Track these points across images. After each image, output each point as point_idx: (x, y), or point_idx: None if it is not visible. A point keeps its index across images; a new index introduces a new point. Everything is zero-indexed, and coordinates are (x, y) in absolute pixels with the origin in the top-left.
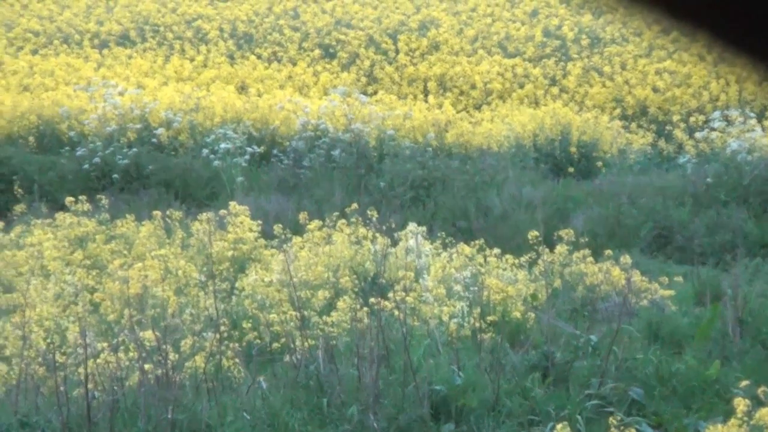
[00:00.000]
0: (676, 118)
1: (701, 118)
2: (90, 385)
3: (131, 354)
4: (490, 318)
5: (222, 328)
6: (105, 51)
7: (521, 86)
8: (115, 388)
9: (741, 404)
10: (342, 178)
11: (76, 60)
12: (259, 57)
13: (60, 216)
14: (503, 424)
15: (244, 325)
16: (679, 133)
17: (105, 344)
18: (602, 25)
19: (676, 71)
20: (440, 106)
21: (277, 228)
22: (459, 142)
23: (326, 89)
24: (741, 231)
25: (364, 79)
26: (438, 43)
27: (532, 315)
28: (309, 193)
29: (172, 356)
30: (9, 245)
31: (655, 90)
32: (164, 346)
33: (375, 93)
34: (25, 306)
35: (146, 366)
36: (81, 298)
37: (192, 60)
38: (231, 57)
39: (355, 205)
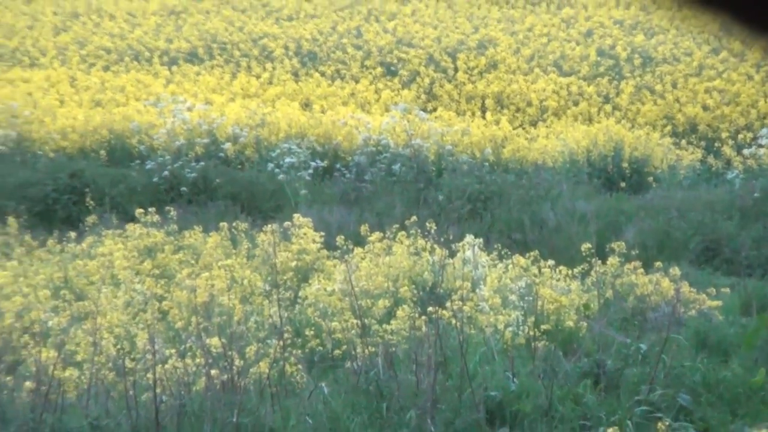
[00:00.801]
0: (724, 135)
1: (749, 135)
2: (158, 390)
3: (198, 360)
4: (543, 327)
5: (285, 335)
6: (174, 68)
7: (576, 104)
8: (182, 392)
9: None
10: (402, 191)
11: (146, 76)
12: (322, 74)
13: (130, 227)
14: (556, 428)
15: (307, 333)
16: (727, 150)
17: (173, 350)
18: (654, 45)
19: (726, 90)
20: (497, 123)
21: (340, 239)
22: (515, 158)
23: (387, 106)
24: None
25: (423, 96)
26: (495, 62)
27: (585, 324)
28: (370, 206)
29: (238, 362)
30: (81, 255)
31: (704, 108)
32: (230, 353)
33: (434, 110)
34: (96, 313)
35: (212, 371)
36: (150, 306)
37: (258, 77)
38: (295, 74)
39: (414, 218)
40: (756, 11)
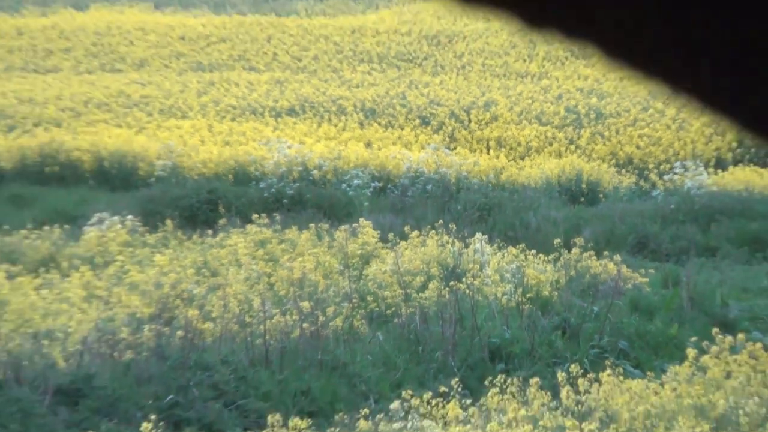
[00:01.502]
0: (651, 166)
1: (668, 166)
2: (267, 337)
3: (294, 317)
4: (528, 295)
5: (353, 300)
6: (279, 119)
7: (550, 144)
8: (283, 339)
9: (691, 353)
10: (432, 203)
11: (260, 125)
12: (379, 124)
13: (249, 227)
14: (536, 364)
15: (368, 299)
16: (653, 176)
17: (277, 310)
18: (604, 104)
19: (652, 135)
20: (497, 157)
21: (390, 236)
22: (509, 181)
23: (423, 145)
24: (692, 240)
25: (447, 139)
26: (496, 116)
27: (556, 294)
28: (411, 213)
29: (321, 318)
30: (215, 245)
31: (637, 147)
32: (316, 312)
33: (455, 148)
34: (226, 285)
35: (304, 325)
36: (261, 280)
37: (335, 126)
38: (361, 124)
39: (441, 221)
40: (673, 78)
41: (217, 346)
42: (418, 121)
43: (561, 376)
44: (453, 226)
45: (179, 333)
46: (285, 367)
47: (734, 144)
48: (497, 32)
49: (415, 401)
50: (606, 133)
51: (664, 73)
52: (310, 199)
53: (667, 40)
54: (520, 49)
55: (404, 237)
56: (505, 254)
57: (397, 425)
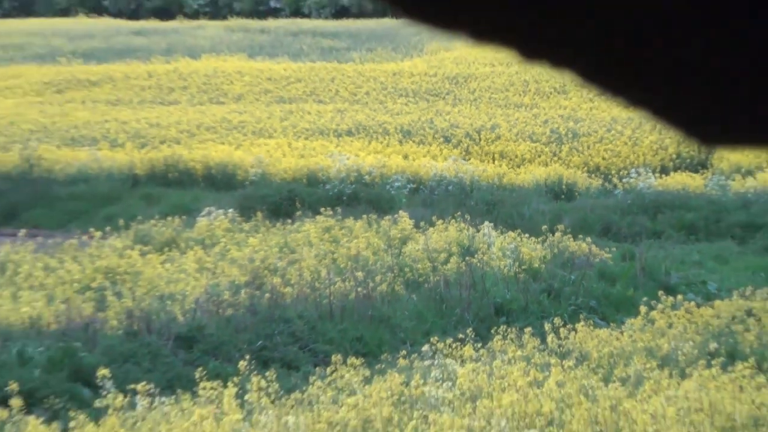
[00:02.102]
0: (613, 172)
1: (626, 172)
2: (331, 298)
3: (351, 283)
4: (523, 267)
5: (394, 271)
6: (339, 138)
7: (539, 156)
8: (343, 299)
9: (643, 309)
10: (452, 200)
11: (326, 142)
12: (413, 142)
13: (318, 217)
14: (529, 318)
15: (405, 270)
16: (614, 179)
17: (338, 278)
18: (579, 126)
19: (614, 149)
20: (500, 166)
21: (422, 223)
22: (509, 183)
23: (445, 157)
24: (643, 226)
25: (463, 153)
26: (499, 135)
27: (543, 266)
28: (437, 207)
29: (371, 284)
30: (293, 231)
31: (603, 158)
32: (367, 279)
33: (469, 159)
34: (300, 260)
35: (359, 289)
36: (327, 256)
37: (381, 143)
38: (400, 142)
39: (459, 213)
40: (633, 97)
41: (294, 304)
42: (442, 139)
43: (547, 326)
44: (468, 217)
45: (267, 295)
46: (344, 320)
47: (674, 155)
48: (500, 74)
49: (440, 345)
50: (580, 148)
51: (625, 92)
52: (362, 197)
53: (629, 69)
54: (517, 86)
55: (432, 224)
56: (506, 237)
57: (426, 362)
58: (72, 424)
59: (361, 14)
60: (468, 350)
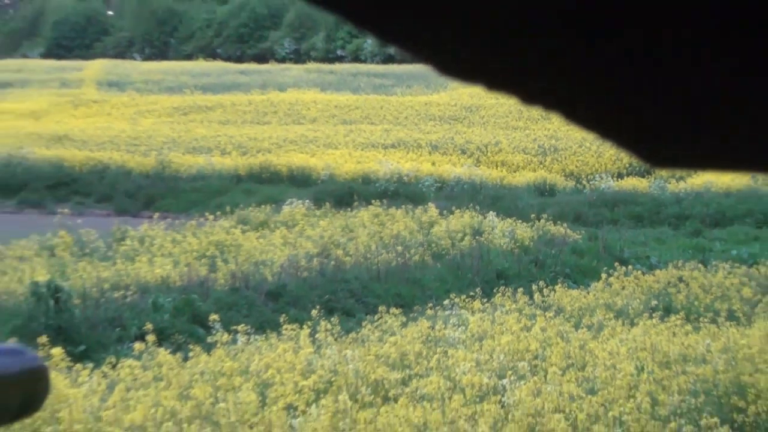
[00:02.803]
0: (583, 176)
1: (592, 176)
2: (378, 265)
3: (393, 254)
4: (517, 244)
5: (424, 246)
6: (386, 150)
7: (529, 164)
8: (387, 266)
9: (603, 276)
10: (467, 196)
11: (376, 153)
12: (439, 153)
13: (370, 207)
14: (521, 281)
15: (432, 245)
16: (584, 182)
17: (384, 251)
18: (558, 144)
19: (584, 159)
20: (501, 171)
21: (444, 212)
22: (508, 183)
23: (462, 164)
24: (604, 216)
25: (475, 161)
26: (501, 149)
27: (532, 243)
28: (456, 200)
29: (407, 255)
30: (351, 217)
31: (576, 166)
32: (404, 252)
33: (479, 166)
34: (356, 237)
35: (398, 258)
36: (376, 234)
37: (416, 154)
38: (429, 153)
39: (471, 205)
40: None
41: (352, 269)
42: (459, 151)
43: (534, 287)
44: (478, 208)
45: (332, 262)
46: (387, 281)
47: (628, 165)
48: (502, 105)
49: (456, 300)
50: (559, 159)
51: (572, 118)
52: (402, 192)
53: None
54: (514, 114)
55: (452, 213)
56: (505, 222)
57: (447, 313)
58: (191, 354)
59: (402, 61)
60: (477, 304)
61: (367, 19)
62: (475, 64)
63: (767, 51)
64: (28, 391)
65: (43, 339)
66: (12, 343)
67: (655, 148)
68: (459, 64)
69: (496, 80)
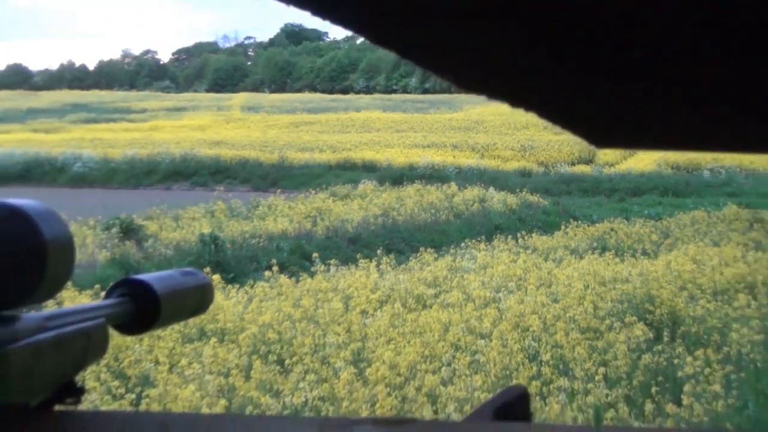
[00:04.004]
0: (551, 164)
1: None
2: (419, 221)
3: (428, 214)
4: (508, 207)
5: (448, 209)
6: (423, 149)
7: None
8: (425, 221)
9: (562, 228)
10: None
11: (418, 151)
12: (458, 150)
13: (413, 185)
14: (511, 230)
15: (454, 209)
16: (550, 168)
17: (423, 212)
18: (536, 144)
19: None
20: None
21: (461, 188)
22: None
23: (472, 158)
24: (563, 189)
25: (480, 156)
26: (497, 147)
27: (517, 207)
28: (468, 181)
29: (438, 215)
30: (401, 192)
31: (546, 158)
32: (436, 213)
33: (483, 159)
34: (405, 204)
35: (432, 217)
36: (417, 202)
37: (442, 150)
38: (452, 150)
39: (479, 183)
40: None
41: (403, 224)
42: (470, 149)
43: (518, 235)
44: (482, 185)
45: (390, 220)
46: (425, 231)
47: (578, 157)
48: (498, 118)
49: (469, 243)
50: (534, 154)
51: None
52: (433, 176)
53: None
54: (507, 125)
55: (465, 188)
56: (500, 194)
57: (463, 251)
58: (300, 278)
59: (434, 92)
60: (482, 246)
61: (384, 36)
62: (459, 73)
63: (703, 41)
64: (200, 298)
65: (207, 269)
66: (189, 268)
67: (599, 132)
68: (447, 73)
69: (467, 80)
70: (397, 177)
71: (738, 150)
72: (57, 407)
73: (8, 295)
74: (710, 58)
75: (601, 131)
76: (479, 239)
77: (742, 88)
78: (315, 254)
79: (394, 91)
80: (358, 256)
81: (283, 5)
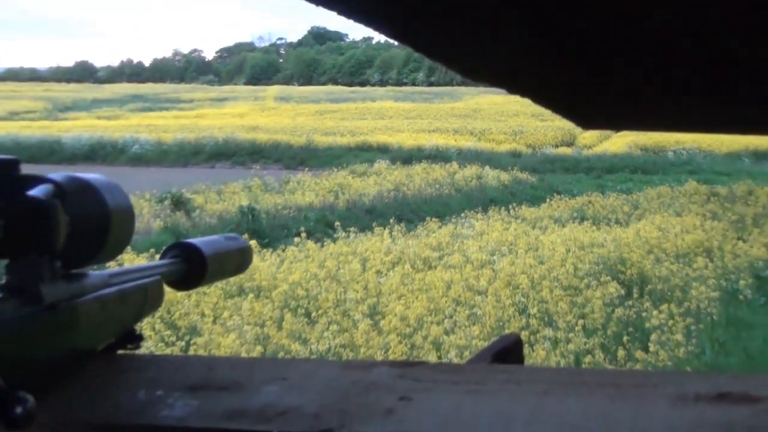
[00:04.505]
0: (537, 146)
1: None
2: (425, 195)
3: (433, 189)
4: (501, 182)
5: (450, 184)
6: (429, 133)
7: (508, 140)
8: (429, 195)
9: (548, 200)
10: (474, 157)
11: (425, 134)
12: (459, 135)
13: (421, 164)
14: (503, 203)
15: (454, 184)
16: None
17: (429, 188)
18: (525, 129)
19: (537, 137)
20: (492, 144)
21: (461, 166)
22: (496, 151)
23: (470, 141)
24: (548, 167)
25: (477, 139)
26: (492, 132)
27: (509, 183)
28: (468, 161)
29: (441, 189)
30: (411, 169)
31: (532, 142)
32: (440, 188)
33: (480, 142)
34: (413, 180)
35: (436, 192)
36: (423, 179)
37: (445, 134)
38: (453, 134)
39: (476, 163)
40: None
41: (412, 198)
42: (469, 134)
43: (510, 206)
44: (479, 164)
45: (401, 194)
46: (430, 204)
47: (560, 140)
48: (494, 107)
49: (468, 213)
50: (524, 137)
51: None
52: (437, 156)
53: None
54: (500, 113)
55: (465, 167)
56: (495, 172)
57: (463, 221)
58: (325, 243)
59: (438, 84)
60: (479, 216)
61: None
62: (455, 57)
63: (682, 30)
64: (240, 260)
65: (245, 236)
66: (232, 233)
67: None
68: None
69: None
70: (407, 157)
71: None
72: (119, 351)
73: (77, 256)
74: (681, 52)
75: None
76: (476, 210)
77: (708, 78)
78: (337, 223)
79: (404, 84)
80: (373, 225)
81: (311, 10)
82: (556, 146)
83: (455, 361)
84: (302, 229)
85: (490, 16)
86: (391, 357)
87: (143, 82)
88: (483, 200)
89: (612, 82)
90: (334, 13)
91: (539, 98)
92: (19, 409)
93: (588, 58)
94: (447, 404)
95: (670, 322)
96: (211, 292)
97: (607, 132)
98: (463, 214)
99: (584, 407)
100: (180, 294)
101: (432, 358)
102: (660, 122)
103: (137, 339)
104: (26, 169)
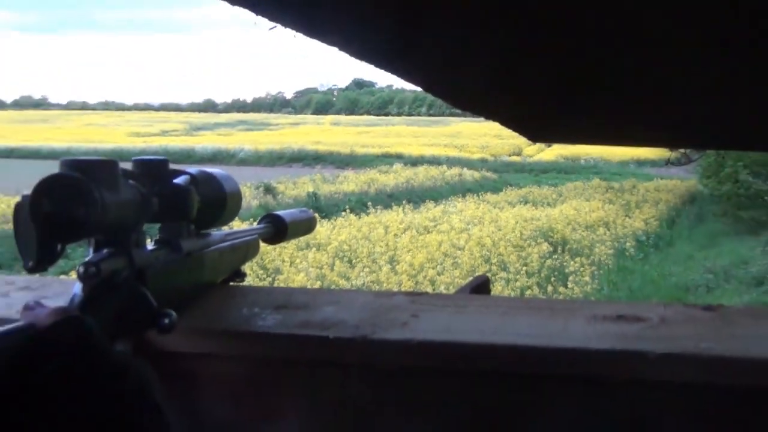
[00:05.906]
0: (496, 156)
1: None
2: (423, 186)
3: (432, 183)
4: (474, 178)
5: (442, 179)
6: (429, 146)
7: (478, 152)
8: (430, 186)
9: (508, 192)
10: (457, 162)
11: (426, 147)
12: (458, 148)
13: (423, 166)
14: (476, 192)
15: (444, 179)
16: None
17: (428, 182)
18: (506, 143)
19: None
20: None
21: (449, 168)
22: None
23: (455, 152)
24: (505, 169)
25: (460, 150)
26: (490, 147)
27: (480, 178)
28: (453, 164)
29: (438, 183)
30: (416, 170)
31: (493, 153)
32: (436, 182)
33: (462, 152)
34: (419, 176)
35: (434, 184)
36: (426, 177)
37: (446, 147)
38: (444, 146)
39: (459, 166)
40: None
41: (418, 187)
42: (455, 147)
43: (480, 194)
44: (461, 166)
45: (412, 185)
46: (430, 191)
47: (511, 152)
48: (486, 128)
49: (453, 198)
50: (490, 149)
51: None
52: (434, 162)
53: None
54: (492, 134)
55: (451, 168)
56: (470, 171)
57: (449, 202)
58: (361, 216)
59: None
60: (459, 200)
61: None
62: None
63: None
64: (309, 225)
65: (311, 210)
66: (304, 208)
67: (534, 128)
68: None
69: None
70: (414, 162)
71: (614, 144)
72: (231, 284)
73: (206, 221)
74: (625, 75)
75: (535, 131)
76: (458, 196)
77: (651, 99)
78: (369, 203)
79: (413, 115)
80: (392, 205)
81: (354, 65)
82: (510, 155)
83: (445, 292)
84: (347, 207)
85: (469, 64)
86: (403, 289)
87: (246, 112)
88: (462, 190)
89: (554, 109)
90: (371, 66)
91: (501, 119)
92: (165, 320)
93: (536, 94)
94: (442, 320)
95: (582, 269)
96: (289, 246)
97: (542, 146)
98: (449, 199)
99: (531, 322)
100: (269, 247)
101: (430, 290)
102: (582, 137)
103: (242, 276)
104: (172, 166)
